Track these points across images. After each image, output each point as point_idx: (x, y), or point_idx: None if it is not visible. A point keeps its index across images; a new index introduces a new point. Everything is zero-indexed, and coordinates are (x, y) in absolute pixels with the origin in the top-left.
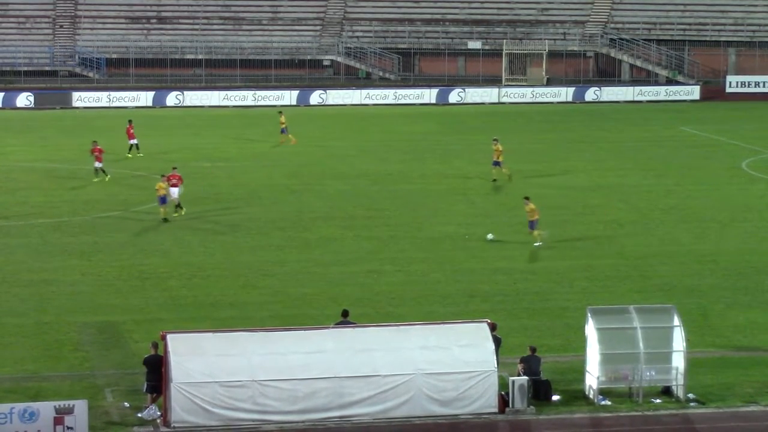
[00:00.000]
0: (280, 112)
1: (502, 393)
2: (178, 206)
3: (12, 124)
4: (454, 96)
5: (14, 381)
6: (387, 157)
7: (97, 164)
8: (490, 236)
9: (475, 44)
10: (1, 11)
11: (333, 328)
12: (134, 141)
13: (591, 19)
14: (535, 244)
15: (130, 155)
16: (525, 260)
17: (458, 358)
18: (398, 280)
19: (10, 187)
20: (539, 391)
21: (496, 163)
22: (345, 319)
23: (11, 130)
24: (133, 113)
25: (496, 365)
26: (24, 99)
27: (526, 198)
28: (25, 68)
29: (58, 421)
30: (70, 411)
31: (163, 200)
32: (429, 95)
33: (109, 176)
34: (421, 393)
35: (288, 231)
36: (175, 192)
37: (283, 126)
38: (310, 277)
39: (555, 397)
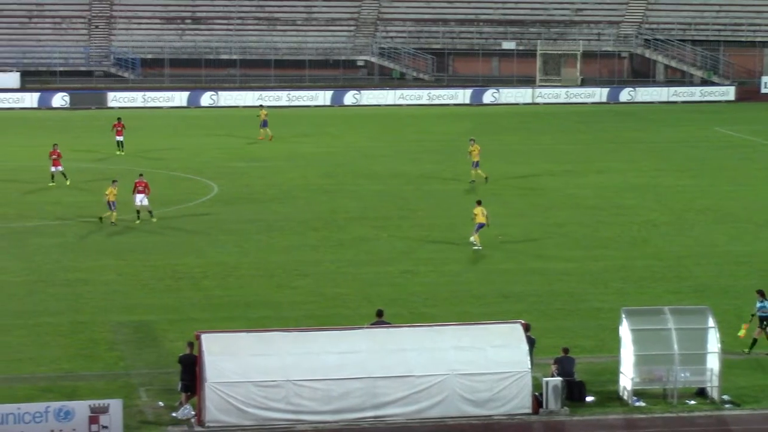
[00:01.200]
0: (261, 106)
1: (536, 394)
2: (149, 212)
3: (47, 124)
4: (488, 96)
5: (50, 380)
6: (421, 158)
7: (54, 168)
8: (475, 245)
9: (509, 44)
10: (37, 12)
11: (367, 328)
12: (120, 138)
13: (626, 20)
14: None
15: (119, 152)
16: (559, 261)
17: (492, 358)
18: (432, 281)
19: (45, 187)
20: (573, 392)
21: (476, 164)
22: (379, 319)
23: (47, 130)
24: (167, 113)
25: (530, 366)
26: (60, 99)
27: (478, 201)
28: (61, 68)
29: (93, 420)
30: (105, 410)
31: (112, 206)
32: (463, 96)
33: (69, 181)
34: (454, 393)
35: (322, 231)
36: (142, 199)
37: (264, 119)
38: (344, 277)
39: (589, 398)
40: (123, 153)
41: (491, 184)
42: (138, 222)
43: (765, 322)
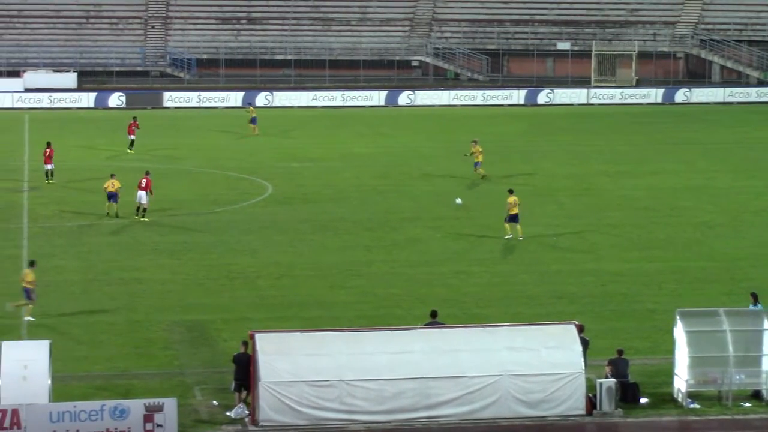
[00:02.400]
0: (250, 104)
1: (590, 395)
2: (144, 212)
3: (104, 124)
4: (543, 97)
5: (105, 378)
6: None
7: (47, 166)
8: (458, 201)
9: (564, 45)
10: (94, 12)
11: (420, 328)
12: (132, 137)
13: (681, 20)
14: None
15: (130, 151)
16: (613, 262)
17: (546, 359)
18: (485, 281)
19: (101, 186)
20: (627, 394)
21: (477, 164)
22: (433, 320)
23: (103, 130)
24: (222, 113)
25: (583, 367)
26: (116, 99)
27: (510, 191)
28: (117, 69)
29: (148, 418)
30: (159, 409)
31: (112, 196)
32: (517, 96)
33: (51, 180)
34: (508, 394)
35: (376, 231)
36: (143, 197)
37: (253, 116)
38: (398, 277)
39: (643, 400)
40: (133, 152)
41: (545, 185)
42: (138, 218)
43: None
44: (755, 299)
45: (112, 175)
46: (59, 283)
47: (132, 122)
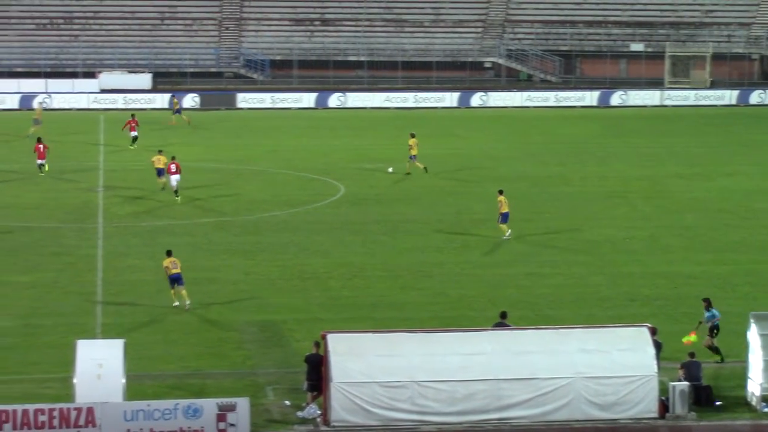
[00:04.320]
0: (173, 95)
1: (663, 398)
2: (176, 193)
3: (178, 125)
4: (616, 98)
5: (179, 378)
6: (547, 160)
7: (40, 161)
8: (390, 170)
9: (637, 46)
10: (168, 14)
11: (491, 329)
12: (134, 134)
13: (757, 21)
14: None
15: (132, 147)
16: (686, 264)
17: (618, 362)
18: (557, 283)
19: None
20: (700, 397)
21: (413, 157)
22: (503, 321)
23: (177, 130)
24: (296, 114)
25: (656, 370)
26: (190, 100)
27: (500, 191)
28: (192, 70)
29: (220, 418)
30: (232, 408)
31: (160, 172)
32: (590, 98)
33: (44, 173)
34: (580, 396)
35: (447, 233)
36: (176, 179)
37: (178, 107)
38: (469, 279)
39: (716, 403)
40: (135, 147)
41: (618, 187)
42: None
43: (715, 331)
44: (708, 304)
45: (159, 151)
46: (133, 282)
47: (131, 119)
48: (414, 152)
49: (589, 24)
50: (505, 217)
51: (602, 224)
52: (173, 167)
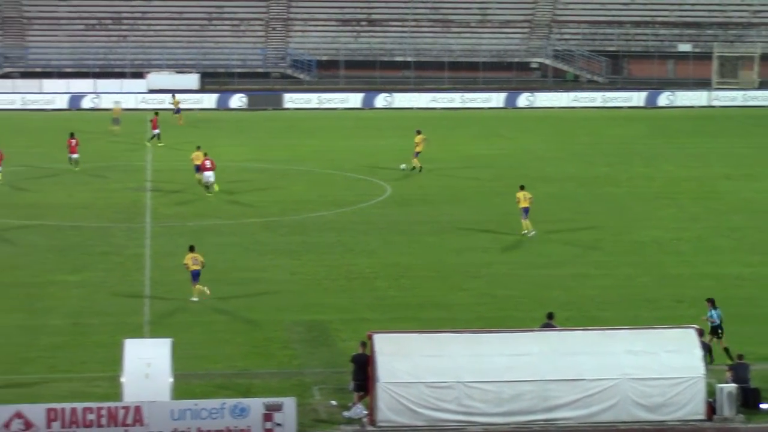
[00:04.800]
0: (173, 94)
1: (710, 400)
2: (211, 186)
3: (225, 125)
4: (663, 99)
5: (226, 377)
6: (594, 160)
7: (73, 156)
8: (402, 166)
9: (685, 47)
10: (216, 14)
11: (538, 330)
12: (157, 131)
13: None
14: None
15: (149, 144)
16: (734, 266)
17: (665, 363)
18: (604, 284)
19: (223, 187)
20: (747, 399)
21: (416, 154)
22: (550, 322)
23: (225, 131)
24: (342, 115)
25: (704, 372)
26: (237, 100)
27: (521, 186)
28: (239, 70)
29: (267, 417)
30: (279, 408)
31: (198, 168)
32: (637, 98)
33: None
34: (627, 398)
35: (494, 233)
36: (209, 175)
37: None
38: (516, 279)
39: (763, 406)
40: (162, 144)
41: (665, 188)
42: (209, 195)
43: (720, 331)
44: (712, 305)
45: (198, 147)
46: (181, 282)
47: (154, 117)
48: (419, 149)
49: (637, 24)
50: (525, 212)
51: (649, 225)
52: (208, 163)
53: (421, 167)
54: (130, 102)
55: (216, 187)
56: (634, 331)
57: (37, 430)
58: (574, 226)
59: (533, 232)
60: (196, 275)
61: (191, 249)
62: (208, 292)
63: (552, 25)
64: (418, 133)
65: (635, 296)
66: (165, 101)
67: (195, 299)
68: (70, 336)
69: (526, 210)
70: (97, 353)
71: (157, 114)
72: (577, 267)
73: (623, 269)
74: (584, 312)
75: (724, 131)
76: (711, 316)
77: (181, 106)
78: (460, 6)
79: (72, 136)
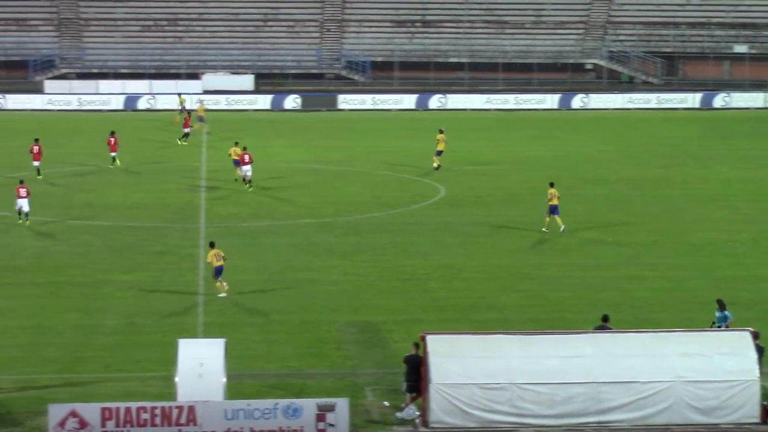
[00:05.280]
0: (180, 95)
1: (764, 403)
2: (249, 182)
3: (280, 126)
4: (719, 101)
5: (279, 377)
6: (648, 162)
7: (113, 153)
8: (435, 165)
9: (741, 48)
10: (271, 16)
11: (591, 332)
12: (187, 130)
13: None
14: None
15: (183, 142)
16: None
17: (719, 366)
18: (658, 286)
19: (277, 187)
20: None
21: (439, 153)
22: (604, 324)
23: (279, 132)
24: (396, 116)
25: (758, 375)
26: (291, 101)
27: (551, 183)
28: (293, 71)
29: (320, 418)
30: (331, 408)
31: (237, 163)
32: (693, 100)
33: (117, 163)
34: (680, 401)
35: (547, 234)
36: (248, 170)
37: (202, 115)
38: (569, 281)
39: None
40: (186, 143)
41: (720, 190)
42: (248, 188)
43: None
44: (722, 306)
45: (236, 143)
46: (235, 282)
47: (187, 117)
48: (440, 148)
49: (692, 25)
50: (553, 209)
51: (704, 227)
52: (246, 158)
53: (439, 166)
54: (185, 103)
55: (250, 186)
56: (688, 334)
57: (91, 429)
58: (627, 228)
59: (562, 228)
60: (219, 271)
61: (212, 245)
62: (227, 288)
63: (607, 26)
64: (441, 132)
65: (689, 299)
66: (220, 102)
67: (223, 295)
68: (124, 335)
69: (555, 207)
70: (151, 353)
71: (190, 113)
72: (631, 269)
73: (677, 271)
74: (637, 314)
75: None
76: (725, 318)
77: (188, 106)
78: (515, 7)
79: (112, 134)
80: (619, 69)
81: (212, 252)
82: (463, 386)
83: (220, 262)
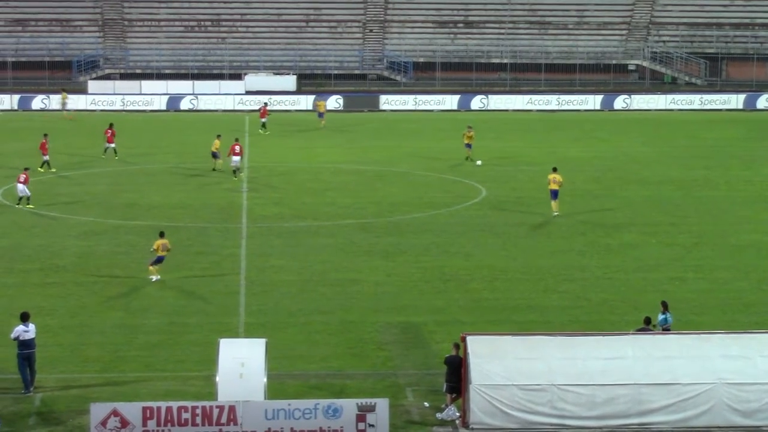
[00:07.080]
0: (264, 102)
1: None
2: (238, 171)
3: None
4: (762, 102)
5: (320, 377)
6: (691, 164)
7: (108, 145)
8: (479, 162)
9: None
10: (314, 16)
11: (632, 334)
12: (264, 120)
13: None
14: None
15: (262, 132)
16: None
17: (762, 368)
18: (701, 288)
19: (319, 188)
20: None
21: (468, 146)
22: (646, 326)
23: (321, 132)
24: (438, 116)
25: None
26: (334, 102)
27: (554, 168)
28: (336, 72)
29: (360, 418)
30: (372, 409)
31: (215, 155)
32: (736, 101)
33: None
34: (722, 403)
35: (589, 236)
36: (237, 160)
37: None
38: (612, 283)
39: None
40: (268, 133)
41: (764, 191)
42: (235, 179)
43: None
44: (665, 308)
45: (218, 136)
46: (276, 282)
47: (264, 106)
48: (468, 141)
49: (736, 26)
50: (553, 194)
51: (748, 229)
52: (237, 149)
53: (468, 157)
54: (227, 103)
55: (242, 176)
56: (730, 335)
57: (132, 428)
58: (671, 230)
59: (556, 213)
60: (160, 260)
61: (161, 235)
62: (158, 276)
63: (650, 27)
64: (470, 128)
65: (732, 300)
66: (262, 102)
67: (156, 278)
68: (166, 335)
69: (554, 192)
70: (192, 352)
71: (266, 104)
72: (674, 270)
73: (720, 273)
74: (680, 316)
75: None
76: (665, 321)
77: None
78: (558, 8)
79: (110, 126)
80: (662, 70)
81: (160, 241)
82: (504, 387)
83: (164, 253)
